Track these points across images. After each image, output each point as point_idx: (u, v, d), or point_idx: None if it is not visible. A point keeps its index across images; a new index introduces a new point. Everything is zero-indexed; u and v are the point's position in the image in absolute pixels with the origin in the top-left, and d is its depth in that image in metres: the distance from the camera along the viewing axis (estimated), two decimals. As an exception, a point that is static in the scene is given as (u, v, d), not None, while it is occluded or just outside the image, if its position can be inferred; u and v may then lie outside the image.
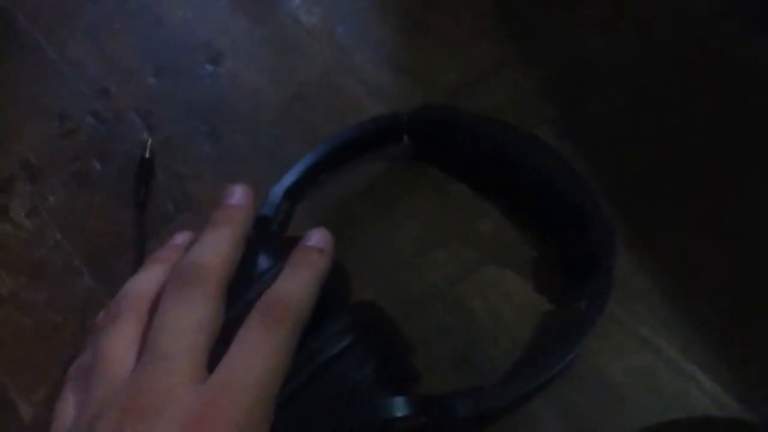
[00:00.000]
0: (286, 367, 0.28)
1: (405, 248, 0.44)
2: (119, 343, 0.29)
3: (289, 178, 0.40)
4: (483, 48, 0.51)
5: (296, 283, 0.30)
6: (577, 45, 0.50)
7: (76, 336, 0.43)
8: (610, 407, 0.38)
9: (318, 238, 0.33)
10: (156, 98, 0.52)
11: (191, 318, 0.28)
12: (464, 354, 0.40)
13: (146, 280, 0.31)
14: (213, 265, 0.30)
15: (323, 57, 0.52)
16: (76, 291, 0.45)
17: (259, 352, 0.27)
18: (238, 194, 0.33)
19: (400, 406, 0.29)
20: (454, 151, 0.45)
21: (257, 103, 0.51)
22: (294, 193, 0.41)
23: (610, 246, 0.37)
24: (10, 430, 0.40)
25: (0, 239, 0.47)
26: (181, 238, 0.35)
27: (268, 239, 0.37)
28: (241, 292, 0.30)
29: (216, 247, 0.31)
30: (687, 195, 0.44)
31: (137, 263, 0.44)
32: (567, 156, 0.41)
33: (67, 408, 0.29)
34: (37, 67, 0.55)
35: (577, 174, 0.40)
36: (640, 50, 0.49)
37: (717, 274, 0.41)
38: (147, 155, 0.49)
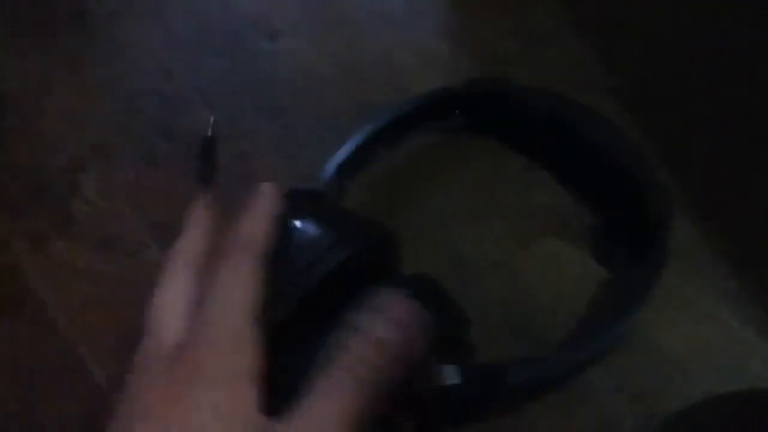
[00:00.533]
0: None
1: (461, 220, 0.44)
2: (174, 304, 0.30)
3: (339, 155, 0.41)
4: (543, 17, 0.50)
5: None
6: (637, 9, 0.49)
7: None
8: (670, 378, 0.37)
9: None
10: (217, 76, 0.53)
11: (240, 292, 0.29)
12: (522, 325, 0.40)
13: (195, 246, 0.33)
14: (256, 240, 0.31)
15: (381, 30, 0.52)
16: (145, 263, 0.46)
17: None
18: (265, 187, 0.35)
19: (451, 374, 0.30)
20: (505, 123, 0.44)
21: (316, 79, 0.51)
22: (345, 169, 0.41)
23: (666, 215, 0.37)
24: (87, 394, 0.42)
25: (74, 215, 0.49)
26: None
27: (323, 209, 0.37)
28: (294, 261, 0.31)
29: (257, 225, 0.32)
30: (754, 165, 0.42)
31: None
32: (628, 123, 0.41)
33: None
34: (107, 52, 0.57)
35: (633, 143, 0.39)
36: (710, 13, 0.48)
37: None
38: (209, 133, 0.50)
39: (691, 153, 0.44)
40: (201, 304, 0.29)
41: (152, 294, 0.32)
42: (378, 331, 0.27)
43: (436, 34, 0.51)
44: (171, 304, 0.30)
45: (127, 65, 0.55)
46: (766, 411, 0.35)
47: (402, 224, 0.44)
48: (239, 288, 0.29)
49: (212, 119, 0.50)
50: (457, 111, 0.45)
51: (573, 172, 0.43)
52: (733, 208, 0.41)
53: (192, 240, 0.34)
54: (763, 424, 0.33)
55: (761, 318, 0.38)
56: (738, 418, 0.35)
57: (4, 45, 0.58)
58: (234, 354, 0.27)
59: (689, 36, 0.48)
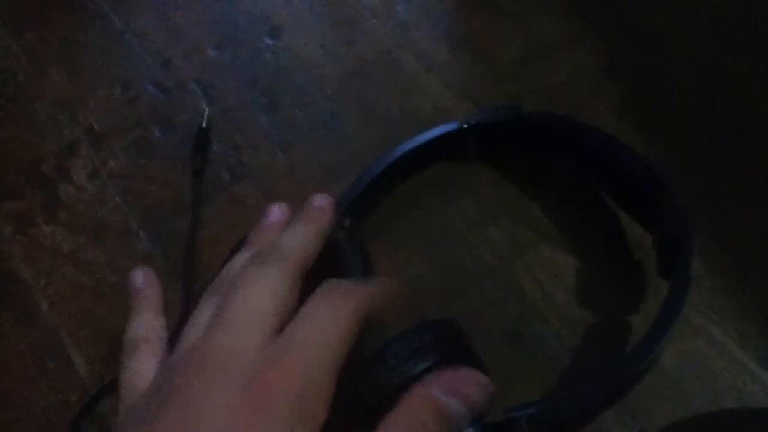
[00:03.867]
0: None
1: (459, 224, 0.44)
2: (202, 317, 0.30)
3: (347, 197, 0.41)
4: (546, 24, 0.50)
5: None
6: (644, 20, 0.49)
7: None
8: (662, 393, 0.37)
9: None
10: (216, 70, 0.53)
11: (263, 288, 0.29)
12: (514, 330, 0.40)
13: (238, 263, 0.33)
14: (293, 250, 0.32)
15: (382, 32, 0.52)
16: (133, 252, 0.46)
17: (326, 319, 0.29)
18: (320, 200, 0.35)
19: None
20: (520, 149, 0.44)
21: (315, 76, 0.51)
22: (355, 210, 0.41)
23: (687, 235, 0.36)
24: (66, 383, 0.42)
25: (62, 200, 0.48)
26: (275, 215, 0.36)
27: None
28: None
29: (299, 239, 0.33)
30: (754, 180, 0.42)
31: (193, 229, 0.45)
32: (630, 134, 0.41)
33: (142, 368, 0.31)
34: (105, 38, 0.56)
35: (652, 163, 0.39)
36: (711, 23, 0.48)
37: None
38: (204, 124, 0.49)
39: (695, 168, 0.44)
40: (221, 310, 0.29)
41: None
42: (443, 399, 0.27)
43: (437, 37, 0.51)
44: (199, 318, 0.30)
45: (125, 52, 0.55)
46: (755, 430, 0.35)
47: (399, 229, 0.44)
48: (258, 294, 0.29)
49: (206, 110, 0.50)
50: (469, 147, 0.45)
51: (592, 195, 0.43)
52: (731, 226, 0.41)
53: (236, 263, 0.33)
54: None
55: (755, 337, 0.38)
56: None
57: (1, 24, 0.57)
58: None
59: (699, 46, 0.48)
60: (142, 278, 0.35)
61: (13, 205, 0.49)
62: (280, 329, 0.28)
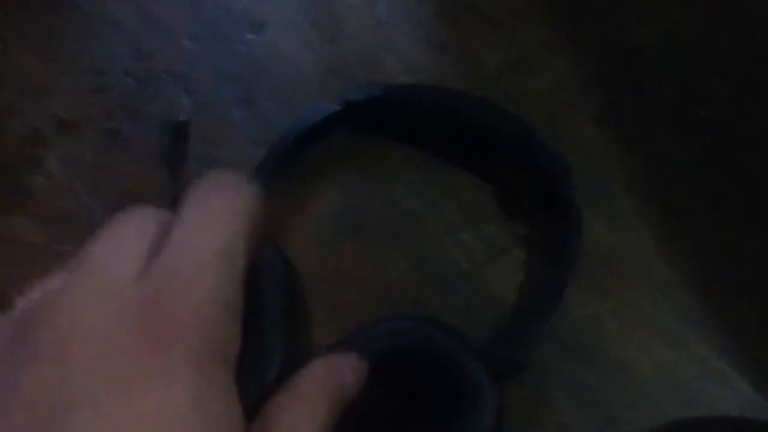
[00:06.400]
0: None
1: (430, 230, 0.43)
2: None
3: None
4: (530, 31, 0.50)
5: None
6: (627, 34, 0.49)
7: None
8: (636, 401, 0.37)
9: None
10: (192, 62, 0.52)
11: (129, 225, 0.26)
12: (490, 336, 0.39)
13: None
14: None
15: (363, 32, 0.52)
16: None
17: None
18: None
19: None
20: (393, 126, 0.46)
21: (294, 74, 0.50)
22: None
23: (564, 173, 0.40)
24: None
25: (31, 190, 0.47)
26: None
27: None
28: None
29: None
30: (728, 193, 0.43)
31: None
32: (609, 151, 0.41)
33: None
34: (77, 24, 0.54)
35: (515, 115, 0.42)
36: (694, 43, 0.49)
37: (759, 274, 0.40)
38: (182, 117, 0.48)
39: (736, 151, 0.44)
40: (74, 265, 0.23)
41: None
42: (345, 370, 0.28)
43: (421, 42, 0.51)
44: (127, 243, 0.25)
45: (99, 41, 0.53)
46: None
47: (371, 231, 0.43)
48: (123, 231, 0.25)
49: (186, 103, 0.49)
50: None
51: (466, 154, 0.45)
52: (704, 236, 0.42)
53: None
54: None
55: (728, 346, 0.38)
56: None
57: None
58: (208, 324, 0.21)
59: (680, 63, 0.48)
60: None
61: (-20, 195, 0.47)
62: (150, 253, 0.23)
